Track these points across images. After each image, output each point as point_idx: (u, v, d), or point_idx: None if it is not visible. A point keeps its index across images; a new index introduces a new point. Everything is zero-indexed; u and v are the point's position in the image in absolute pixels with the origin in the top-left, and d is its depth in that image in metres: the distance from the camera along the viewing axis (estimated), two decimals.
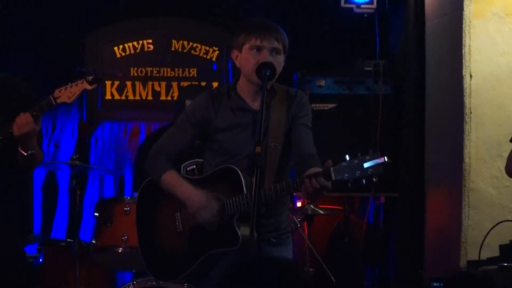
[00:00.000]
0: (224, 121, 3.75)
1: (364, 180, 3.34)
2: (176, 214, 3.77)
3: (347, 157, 3.36)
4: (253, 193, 3.26)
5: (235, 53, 3.78)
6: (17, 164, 4.07)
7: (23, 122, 3.90)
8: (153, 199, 3.89)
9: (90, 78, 3.93)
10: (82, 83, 3.93)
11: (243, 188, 3.55)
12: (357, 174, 3.33)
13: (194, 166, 5.22)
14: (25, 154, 4.00)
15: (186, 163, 5.28)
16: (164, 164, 3.78)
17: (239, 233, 3.55)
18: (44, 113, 3.97)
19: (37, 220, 6.91)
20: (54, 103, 3.95)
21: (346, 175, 3.35)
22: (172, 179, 3.76)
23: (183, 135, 3.82)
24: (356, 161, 3.34)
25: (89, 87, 3.94)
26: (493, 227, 5.13)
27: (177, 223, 3.76)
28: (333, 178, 3.35)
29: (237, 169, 3.60)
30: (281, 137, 3.73)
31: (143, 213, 3.93)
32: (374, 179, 3.35)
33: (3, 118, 3.96)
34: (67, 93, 3.93)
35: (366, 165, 3.32)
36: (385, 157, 3.32)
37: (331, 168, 3.36)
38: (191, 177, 3.91)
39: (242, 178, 3.57)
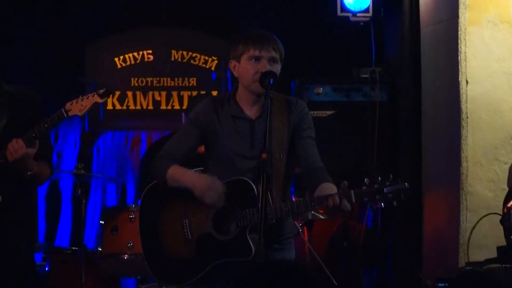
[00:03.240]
0: (225, 126, 3.81)
1: (383, 204, 3.45)
2: (184, 221, 3.78)
3: (367, 181, 3.46)
4: (260, 200, 3.31)
5: (232, 63, 3.82)
6: (23, 180, 4.07)
7: (15, 148, 3.89)
8: (157, 205, 3.90)
9: (101, 91, 3.93)
10: (93, 96, 3.92)
11: (256, 201, 3.53)
12: (376, 198, 3.45)
13: None
14: (24, 175, 4.01)
15: None
16: (167, 163, 3.81)
17: (252, 245, 3.59)
18: (55, 126, 3.98)
19: (41, 228, 6.96)
20: (65, 115, 3.93)
21: (365, 198, 3.46)
22: (176, 171, 3.79)
23: (187, 138, 3.87)
24: (376, 185, 3.45)
25: (100, 100, 3.91)
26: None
27: (186, 230, 3.78)
28: (353, 201, 3.46)
29: (250, 181, 3.62)
30: (285, 146, 3.78)
31: (147, 219, 3.92)
32: (394, 204, 3.45)
33: (16, 131, 3.96)
34: (79, 106, 3.91)
35: (386, 190, 3.43)
36: (406, 184, 3.44)
37: (352, 191, 3.46)
38: None
39: (255, 191, 3.59)
